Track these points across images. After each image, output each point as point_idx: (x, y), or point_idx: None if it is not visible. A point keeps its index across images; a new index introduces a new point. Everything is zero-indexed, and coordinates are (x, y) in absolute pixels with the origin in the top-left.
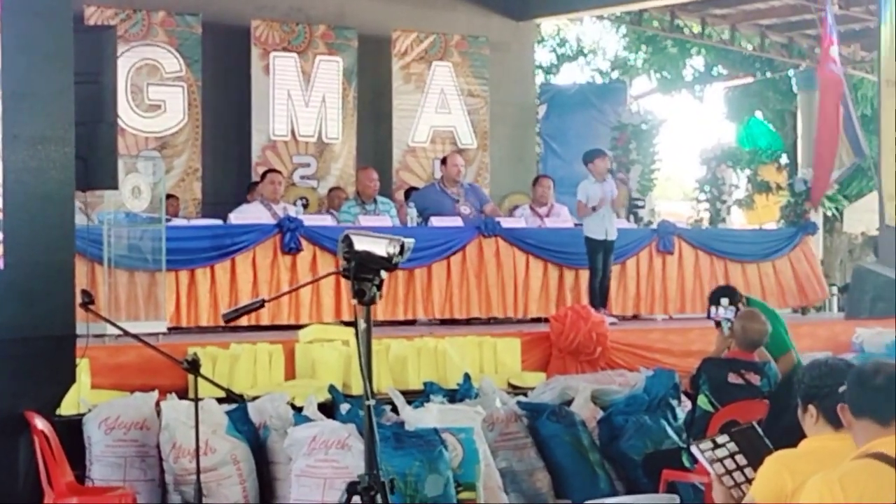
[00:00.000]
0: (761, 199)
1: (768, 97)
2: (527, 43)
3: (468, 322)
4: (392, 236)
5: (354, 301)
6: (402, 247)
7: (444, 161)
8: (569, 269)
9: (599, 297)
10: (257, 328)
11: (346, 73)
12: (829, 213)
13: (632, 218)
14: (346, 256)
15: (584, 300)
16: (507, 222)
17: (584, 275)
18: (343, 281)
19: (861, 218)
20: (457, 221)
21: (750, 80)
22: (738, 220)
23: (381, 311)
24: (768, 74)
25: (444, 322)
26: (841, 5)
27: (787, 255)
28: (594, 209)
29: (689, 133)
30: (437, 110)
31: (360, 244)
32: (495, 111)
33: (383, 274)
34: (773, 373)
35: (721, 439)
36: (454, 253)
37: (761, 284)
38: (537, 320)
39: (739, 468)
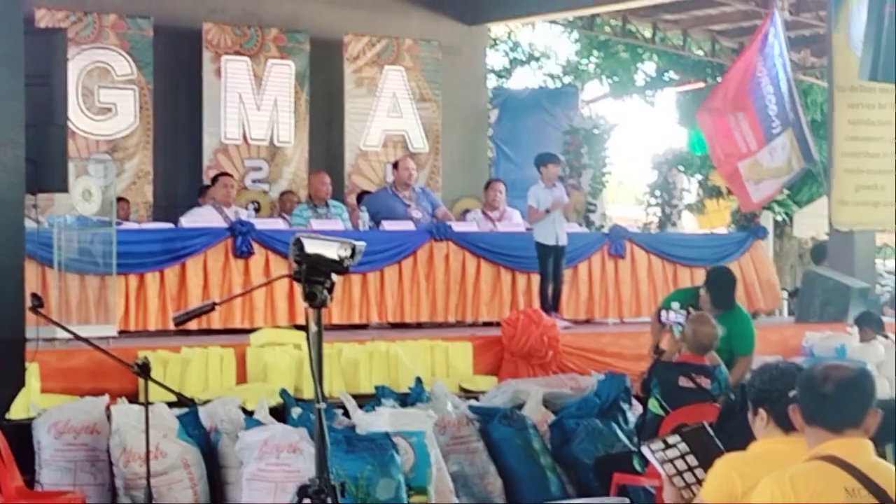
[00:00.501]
0: (712, 203)
1: None
2: (479, 47)
3: (420, 326)
4: (343, 239)
5: (305, 304)
6: (353, 250)
7: (395, 165)
8: (521, 272)
9: (552, 301)
10: (210, 332)
11: (298, 76)
12: (779, 218)
13: (583, 222)
14: (297, 259)
15: (536, 304)
16: (458, 226)
17: (536, 279)
18: (295, 284)
19: (811, 223)
20: (408, 225)
21: (701, 85)
22: (689, 224)
23: (335, 315)
24: (719, 80)
25: (395, 326)
26: (791, 11)
27: (737, 259)
28: (547, 211)
29: (640, 138)
30: (389, 114)
31: (311, 247)
32: (447, 115)
33: (334, 277)
34: (723, 376)
35: (672, 439)
36: (406, 257)
37: None
38: (489, 324)
39: (690, 469)
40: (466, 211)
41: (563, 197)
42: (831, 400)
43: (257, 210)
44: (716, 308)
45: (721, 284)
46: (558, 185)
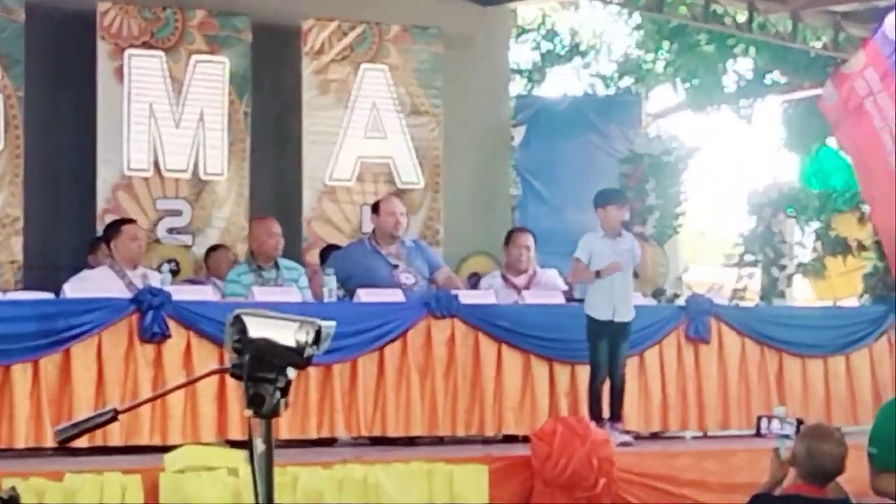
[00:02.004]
0: (836, 263)
1: None
2: (498, 37)
3: (412, 441)
4: (303, 318)
5: (248, 412)
6: (317, 333)
7: (376, 208)
8: (561, 363)
9: (611, 405)
10: (105, 450)
11: (236, 79)
12: None
13: (648, 291)
14: (237, 347)
15: (583, 409)
16: (469, 296)
17: (584, 371)
18: (231, 383)
19: None
20: (396, 295)
21: (819, 91)
22: (802, 293)
23: (284, 427)
24: None
25: (376, 441)
26: None
27: (869, 346)
28: (598, 274)
29: (731, 168)
30: (366, 134)
31: (258, 329)
32: (452, 135)
33: (290, 372)
34: None
35: None
36: (392, 341)
37: (826, 388)
38: (513, 439)
39: None
40: (474, 274)
41: (634, 253)
42: None
43: (175, 273)
44: None
45: None
46: (625, 234)
